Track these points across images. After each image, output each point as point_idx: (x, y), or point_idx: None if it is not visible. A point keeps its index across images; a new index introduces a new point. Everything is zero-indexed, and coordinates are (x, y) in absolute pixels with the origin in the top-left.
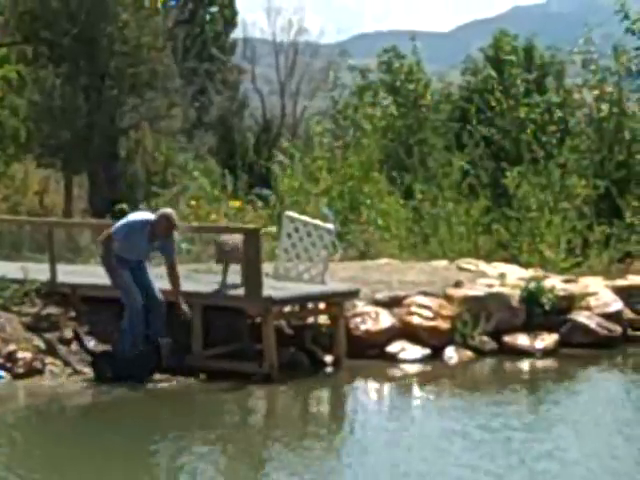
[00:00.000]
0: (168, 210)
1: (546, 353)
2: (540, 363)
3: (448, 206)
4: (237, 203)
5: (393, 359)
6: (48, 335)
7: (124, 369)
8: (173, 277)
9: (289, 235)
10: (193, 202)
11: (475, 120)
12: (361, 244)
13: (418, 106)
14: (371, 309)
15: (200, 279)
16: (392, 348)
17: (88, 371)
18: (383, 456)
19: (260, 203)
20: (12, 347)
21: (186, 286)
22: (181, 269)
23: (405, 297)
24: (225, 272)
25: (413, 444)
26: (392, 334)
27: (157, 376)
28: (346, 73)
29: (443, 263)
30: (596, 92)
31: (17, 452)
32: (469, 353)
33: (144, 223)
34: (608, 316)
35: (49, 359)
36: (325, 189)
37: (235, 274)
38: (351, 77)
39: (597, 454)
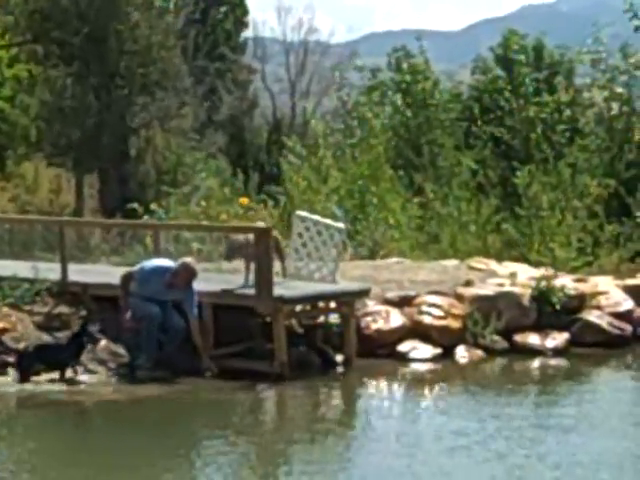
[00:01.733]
0: (188, 260)
1: (557, 352)
2: (551, 362)
3: (458, 205)
4: (245, 200)
5: (404, 358)
6: (59, 334)
7: (53, 357)
8: (195, 333)
9: (300, 234)
10: (203, 203)
11: (480, 120)
12: (371, 243)
13: (427, 105)
14: (382, 308)
15: (210, 278)
16: (403, 347)
17: (101, 370)
18: (390, 457)
19: (271, 202)
20: (23, 346)
21: (196, 285)
22: None
23: (416, 296)
24: (247, 270)
25: (419, 446)
26: (403, 333)
27: (165, 374)
28: (354, 73)
29: (454, 262)
30: (606, 92)
31: (34, 448)
32: (480, 352)
33: (164, 270)
34: (619, 315)
35: None
36: (334, 188)
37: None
38: (359, 77)
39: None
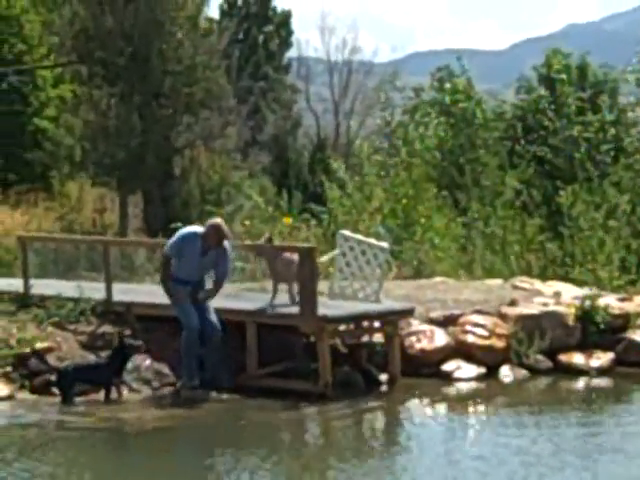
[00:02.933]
0: (216, 220)
1: (601, 372)
2: (595, 382)
3: (502, 224)
4: (288, 219)
5: (448, 378)
6: (104, 354)
7: (93, 376)
8: (218, 288)
9: (344, 254)
10: (247, 222)
11: (524, 139)
12: (415, 262)
13: (469, 125)
14: (426, 327)
15: (254, 298)
16: (447, 367)
17: (145, 390)
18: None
19: (314, 221)
20: (63, 366)
21: (240, 305)
22: (234, 288)
23: (460, 316)
24: (275, 289)
25: (466, 466)
26: (447, 353)
27: (208, 393)
28: (396, 92)
29: (498, 282)
30: None
31: (76, 472)
32: (524, 372)
33: (195, 235)
34: None
35: None
36: (378, 207)
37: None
38: (400, 97)
39: None
